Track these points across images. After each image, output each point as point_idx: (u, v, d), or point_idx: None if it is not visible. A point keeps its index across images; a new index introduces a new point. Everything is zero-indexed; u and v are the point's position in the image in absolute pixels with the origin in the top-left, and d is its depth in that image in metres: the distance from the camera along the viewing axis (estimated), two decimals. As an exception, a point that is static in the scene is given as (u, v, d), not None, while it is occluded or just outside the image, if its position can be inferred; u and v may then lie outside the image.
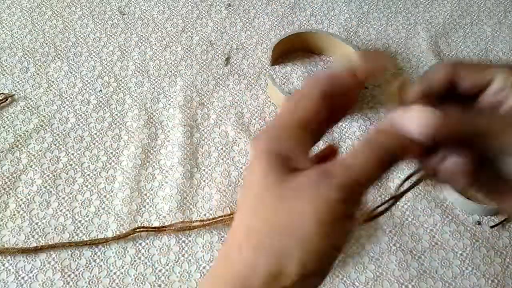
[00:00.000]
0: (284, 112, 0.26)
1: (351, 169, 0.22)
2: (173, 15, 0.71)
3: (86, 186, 0.53)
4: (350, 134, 0.58)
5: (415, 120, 0.23)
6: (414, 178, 0.28)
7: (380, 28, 0.71)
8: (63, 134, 0.57)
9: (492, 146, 0.23)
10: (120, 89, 0.62)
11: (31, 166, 0.54)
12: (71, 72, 0.64)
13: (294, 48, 0.66)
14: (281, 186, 0.23)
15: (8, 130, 0.57)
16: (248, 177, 0.25)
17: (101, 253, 0.49)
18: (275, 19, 0.71)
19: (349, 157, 0.23)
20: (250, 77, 0.64)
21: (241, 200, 0.25)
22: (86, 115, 0.59)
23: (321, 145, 0.36)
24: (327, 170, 0.23)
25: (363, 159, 0.22)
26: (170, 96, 0.62)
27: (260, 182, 0.24)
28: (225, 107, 0.61)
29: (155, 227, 0.49)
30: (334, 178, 0.22)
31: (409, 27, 0.71)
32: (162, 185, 0.54)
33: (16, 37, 0.67)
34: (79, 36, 0.68)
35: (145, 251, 0.49)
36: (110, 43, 0.67)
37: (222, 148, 0.57)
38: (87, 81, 0.63)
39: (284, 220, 0.23)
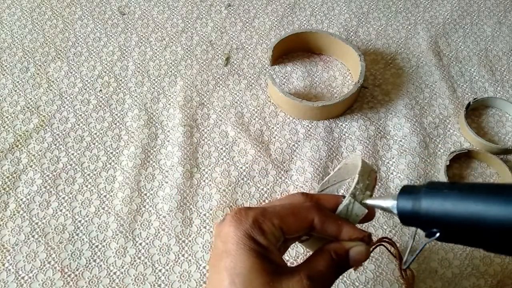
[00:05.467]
0: (275, 208, 0.33)
1: (323, 275, 0.32)
2: (173, 15, 0.71)
3: (86, 186, 0.53)
4: (350, 134, 0.58)
5: (355, 254, 0.33)
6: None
7: (380, 28, 0.71)
8: (63, 134, 0.57)
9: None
10: (120, 89, 0.62)
11: (31, 166, 0.54)
12: (71, 72, 0.64)
13: (294, 48, 0.66)
14: (271, 287, 0.29)
15: (8, 130, 0.57)
16: (228, 263, 0.30)
17: (101, 253, 0.49)
18: (275, 19, 0.71)
19: (321, 265, 0.32)
20: (250, 77, 0.64)
21: (226, 286, 0.29)
22: (86, 115, 0.59)
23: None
24: (311, 278, 0.30)
25: (329, 272, 0.32)
26: (170, 96, 0.62)
27: (248, 277, 0.29)
28: (225, 107, 0.61)
29: None
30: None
31: (409, 27, 0.71)
32: (162, 185, 0.54)
33: (16, 37, 0.67)
34: (79, 36, 0.68)
35: (145, 251, 0.49)
36: (110, 43, 0.67)
37: (222, 148, 0.57)
38: (87, 81, 0.63)
39: None
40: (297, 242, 0.37)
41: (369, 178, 0.34)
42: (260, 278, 0.29)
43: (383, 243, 0.37)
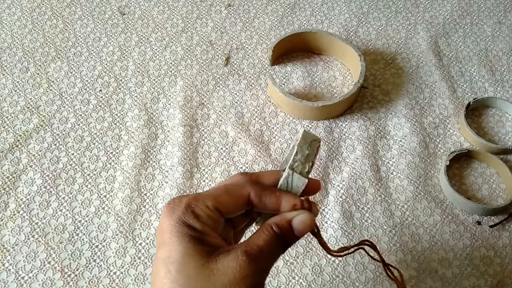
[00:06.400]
0: (212, 191, 0.32)
1: (262, 250, 0.30)
2: (173, 15, 0.71)
3: (86, 186, 0.53)
4: (350, 134, 0.58)
5: (298, 223, 0.32)
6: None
7: (380, 28, 0.71)
8: (63, 134, 0.57)
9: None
10: (120, 89, 0.62)
11: (31, 166, 0.54)
12: (71, 72, 0.64)
13: (294, 48, 0.66)
14: (206, 268, 0.28)
15: (8, 130, 0.57)
16: (163, 253, 0.29)
17: (101, 253, 0.49)
18: (275, 19, 0.71)
19: (261, 240, 0.31)
20: (250, 77, 0.64)
21: (162, 276, 0.29)
22: (86, 115, 0.59)
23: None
24: (248, 253, 0.29)
25: (271, 246, 0.31)
26: (170, 96, 0.62)
27: (181, 263, 0.28)
28: (225, 107, 0.61)
29: None
30: (259, 263, 0.30)
31: (409, 27, 0.71)
32: (162, 185, 0.54)
33: (16, 37, 0.67)
34: (79, 36, 0.68)
35: (145, 251, 0.49)
36: (110, 43, 0.67)
37: (222, 148, 0.57)
38: (87, 81, 0.63)
39: None
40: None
41: (310, 148, 0.34)
42: (194, 261, 0.28)
43: (363, 246, 0.37)
